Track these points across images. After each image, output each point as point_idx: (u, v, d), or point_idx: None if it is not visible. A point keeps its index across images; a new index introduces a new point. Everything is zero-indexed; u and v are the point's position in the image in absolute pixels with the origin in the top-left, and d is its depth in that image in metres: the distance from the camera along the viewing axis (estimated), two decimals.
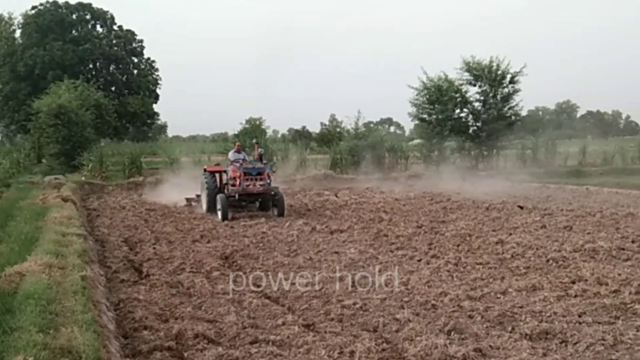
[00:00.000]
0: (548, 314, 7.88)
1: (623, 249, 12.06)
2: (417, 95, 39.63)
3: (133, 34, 64.11)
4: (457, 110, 40.24)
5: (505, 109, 39.93)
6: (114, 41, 63.24)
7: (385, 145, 37.56)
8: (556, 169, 36.13)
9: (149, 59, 65.99)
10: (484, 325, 7.51)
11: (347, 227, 15.65)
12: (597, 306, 8.21)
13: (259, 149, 20.47)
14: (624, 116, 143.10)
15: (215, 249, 13.01)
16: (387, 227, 15.63)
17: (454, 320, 7.55)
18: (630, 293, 8.82)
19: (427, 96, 39.29)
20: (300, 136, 55.65)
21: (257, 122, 41.45)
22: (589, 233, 14.04)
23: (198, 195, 21.22)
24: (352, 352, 6.39)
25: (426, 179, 31.03)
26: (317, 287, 9.56)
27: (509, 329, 7.34)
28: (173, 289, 9.56)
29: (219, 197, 18.37)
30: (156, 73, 66.41)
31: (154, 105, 65.31)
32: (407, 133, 77.54)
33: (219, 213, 18.01)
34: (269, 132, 44.66)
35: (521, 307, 8.31)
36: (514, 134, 41.05)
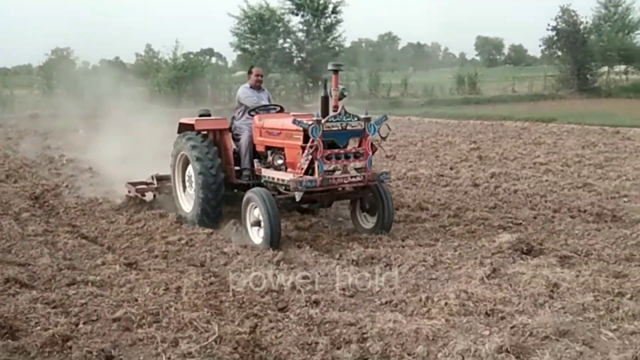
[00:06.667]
0: (373, 240, 8.33)
1: (442, 176, 12.99)
2: (238, 24, 39.33)
3: None
4: (281, 41, 40.54)
5: (329, 39, 40.81)
6: None
7: (207, 77, 37.15)
8: (380, 100, 37.66)
9: None
10: (312, 254, 7.76)
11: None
12: (419, 230, 8.82)
13: (340, 86, 8.71)
14: (442, 48, 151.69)
15: (24, 189, 12.31)
16: None
17: (282, 250, 7.76)
18: (448, 216, 9.59)
19: (249, 25, 39.11)
20: (113, 68, 53.29)
21: (65, 53, 39.25)
22: (411, 161, 14.94)
23: (160, 179, 11.13)
24: (178, 288, 6.40)
25: None
26: (139, 225, 9.42)
27: (337, 256, 7.68)
28: None
29: (261, 194, 8.24)
30: None
31: None
32: (230, 65, 76.95)
33: (261, 233, 8.24)
34: (79, 63, 42.27)
35: (347, 234, 8.73)
36: None
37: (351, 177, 8.33)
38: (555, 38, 49.46)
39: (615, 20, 52.48)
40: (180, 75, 35.21)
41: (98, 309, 5.86)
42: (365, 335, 5.25)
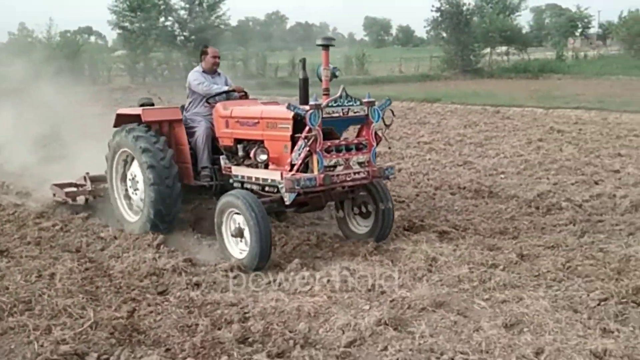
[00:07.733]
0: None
1: None
2: (116, 1, 38.38)
3: None
4: (162, 19, 39.85)
5: (213, 17, 40.43)
6: None
7: (85, 56, 36.15)
8: (267, 80, 37.63)
9: None
10: (195, 237, 7.79)
11: None
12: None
13: (330, 66, 7.38)
14: (331, 28, 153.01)
15: None
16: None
17: (164, 235, 7.67)
18: None
19: (128, 3, 38.25)
20: None
21: None
22: None
23: (95, 180, 9.31)
24: (52, 275, 6.25)
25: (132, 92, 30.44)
26: (10, 211, 9.09)
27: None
28: None
29: (246, 198, 6.67)
30: None
31: None
32: (110, 44, 74.82)
33: (243, 246, 6.79)
34: None
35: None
36: (224, 45, 41.84)
37: (354, 173, 6.90)
38: (440, 19, 51.04)
39: (497, 2, 54.73)
40: (56, 55, 33.97)
41: None
42: (247, 315, 5.33)
